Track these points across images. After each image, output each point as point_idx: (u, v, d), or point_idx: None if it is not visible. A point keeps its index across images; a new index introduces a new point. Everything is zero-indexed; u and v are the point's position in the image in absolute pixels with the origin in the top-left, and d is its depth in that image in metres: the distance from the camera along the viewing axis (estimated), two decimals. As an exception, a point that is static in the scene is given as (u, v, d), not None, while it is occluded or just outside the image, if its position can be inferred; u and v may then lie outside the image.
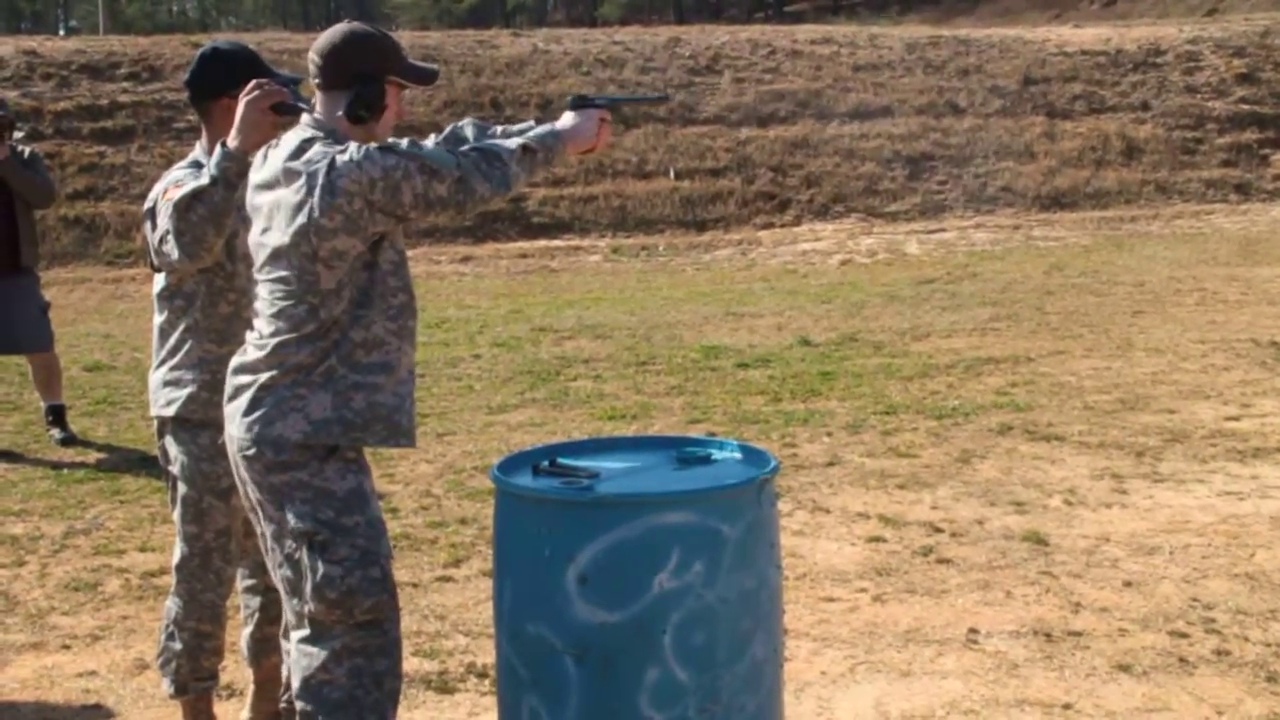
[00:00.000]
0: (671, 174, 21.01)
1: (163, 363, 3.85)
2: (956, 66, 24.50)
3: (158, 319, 3.85)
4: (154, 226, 3.63)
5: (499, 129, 3.48)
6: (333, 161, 3.04)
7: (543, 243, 19.27)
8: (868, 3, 61.53)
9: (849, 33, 26.50)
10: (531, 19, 70.85)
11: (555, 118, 3.45)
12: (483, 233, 19.48)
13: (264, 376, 3.17)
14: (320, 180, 3.04)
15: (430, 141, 3.32)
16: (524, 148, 3.20)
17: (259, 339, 3.20)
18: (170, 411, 3.80)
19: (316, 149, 3.09)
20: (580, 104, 3.45)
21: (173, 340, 3.82)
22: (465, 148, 3.18)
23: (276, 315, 3.15)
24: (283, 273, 3.13)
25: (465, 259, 18.33)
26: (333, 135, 3.15)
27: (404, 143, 3.11)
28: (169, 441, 3.86)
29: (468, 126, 3.49)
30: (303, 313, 3.12)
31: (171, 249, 3.50)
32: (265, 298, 3.18)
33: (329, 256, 3.07)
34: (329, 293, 3.10)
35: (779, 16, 58.77)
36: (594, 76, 22.87)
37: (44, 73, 21.04)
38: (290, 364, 3.14)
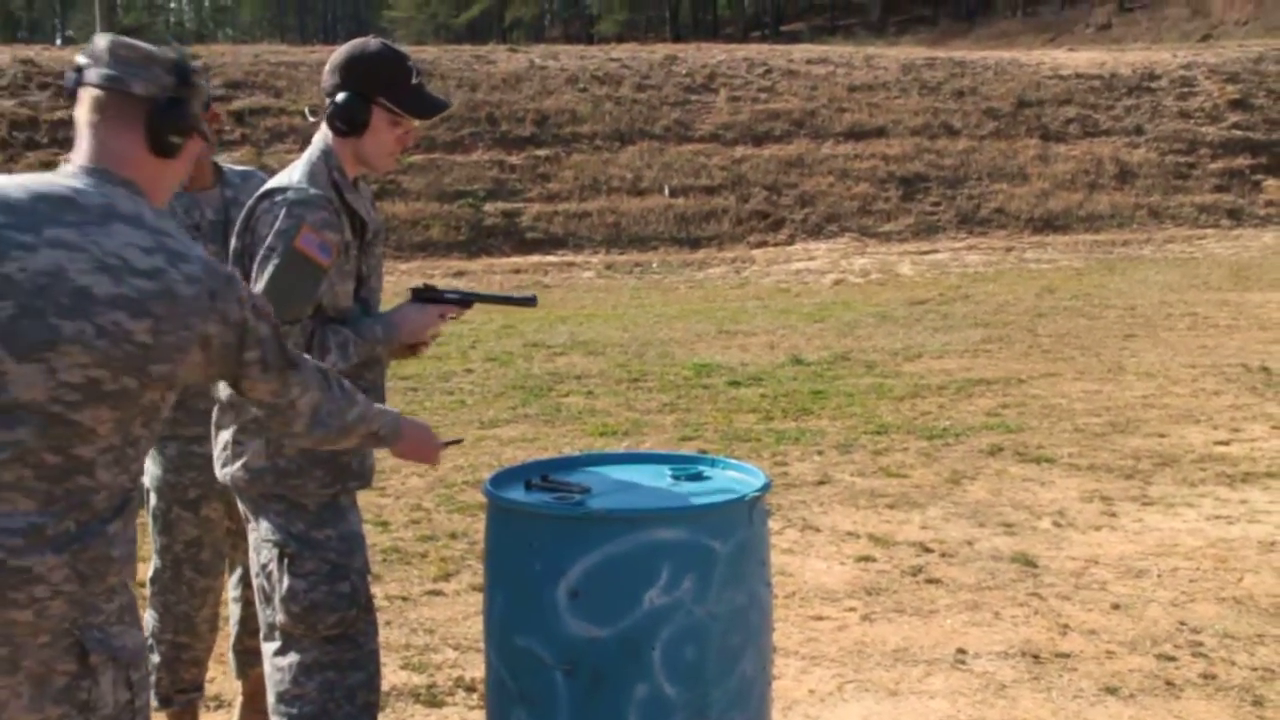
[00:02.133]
0: (666, 191, 21.06)
1: None
2: (951, 88, 24.59)
3: None
4: None
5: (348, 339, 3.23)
6: (268, 190, 3.10)
7: (536, 258, 19.30)
8: (864, 23, 61.75)
9: (845, 53, 26.62)
10: (528, 35, 71.00)
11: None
12: (476, 247, 19.52)
13: (214, 410, 3.24)
14: (250, 202, 3.13)
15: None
16: (348, 344, 3.14)
17: None
18: None
19: (282, 174, 3.16)
20: (425, 296, 3.28)
21: None
22: (312, 338, 3.10)
23: None
24: None
25: (459, 273, 18.34)
26: (328, 156, 3.16)
27: (299, 275, 3.03)
28: None
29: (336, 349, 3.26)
30: None
31: None
32: None
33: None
34: None
35: (775, 36, 58.94)
36: (590, 93, 22.93)
37: (40, 82, 21.06)
38: (225, 397, 3.18)
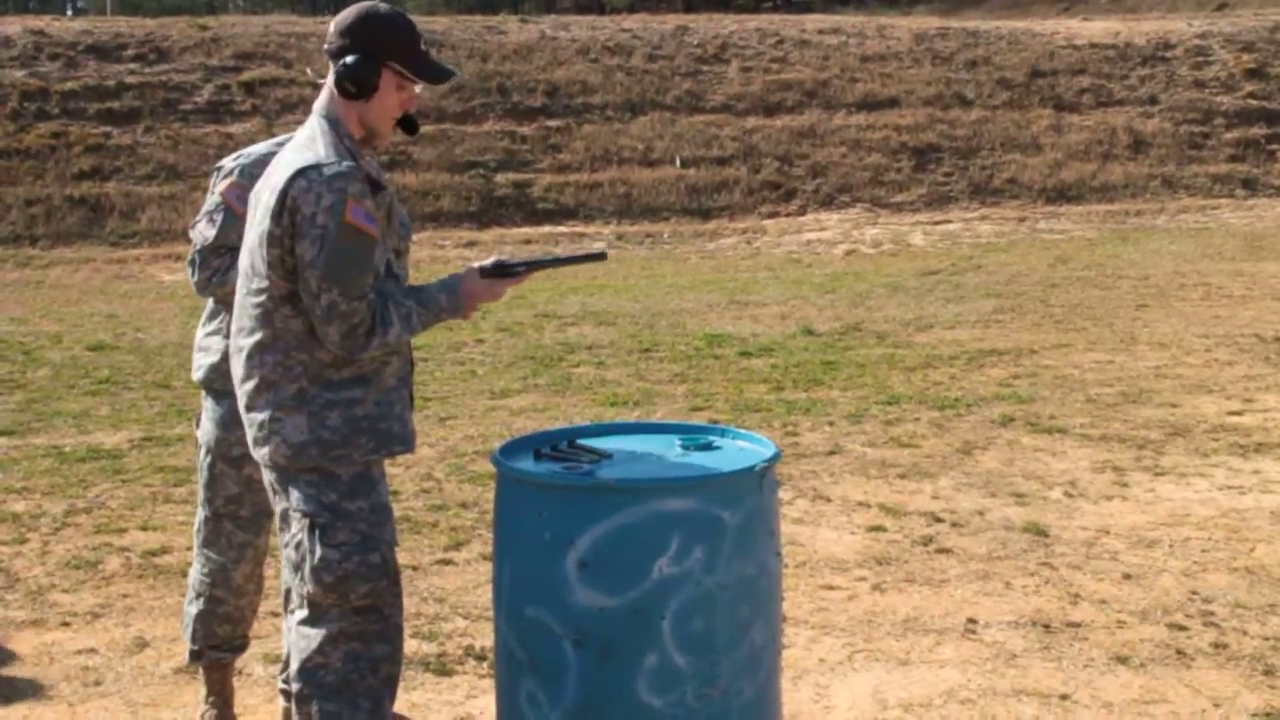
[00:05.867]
0: (678, 162, 21.00)
1: (202, 325, 3.96)
2: (964, 58, 24.46)
3: (200, 274, 3.88)
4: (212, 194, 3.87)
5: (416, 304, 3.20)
6: (301, 170, 3.04)
7: (547, 228, 19.26)
8: (876, -7, 61.34)
9: (857, 23, 26.47)
10: (539, 5, 70.67)
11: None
12: (487, 218, 19.49)
13: (244, 390, 3.18)
14: (281, 183, 3.05)
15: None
16: (411, 316, 3.13)
17: (233, 336, 3.21)
18: (197, 376, 3.91)
19: (301, 151, 3.10)
20: (497, 272, 3.21)
21: (210, 305, 3.93)
22: (377, 313, 3.06)
23: (243, 313, 3.18)
24: (247, 267, 3.14)
25: (470, 244, 18.32)
26: (335, 125, 3.12)
27: (353, 243, 3.01)
28: (203, 403, 3.95)
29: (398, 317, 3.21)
30: (258, 315, 3.12)
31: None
32: (240, 296, 3.18)
33: (275, 262, 3.07)
34: (282, 299, 3.08)
35: (787, 6, 58.64)
36: (601, 64, 22.84)
37: (51, 53, 21.03)
38: (258, 377, 3.13)
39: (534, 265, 3.31)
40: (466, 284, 3.21)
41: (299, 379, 3.10)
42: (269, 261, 3.07)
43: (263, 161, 3.73)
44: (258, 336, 3.13)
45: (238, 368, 3.20)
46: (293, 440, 3.10)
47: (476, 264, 3.26)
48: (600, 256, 3.44)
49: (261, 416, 3.13)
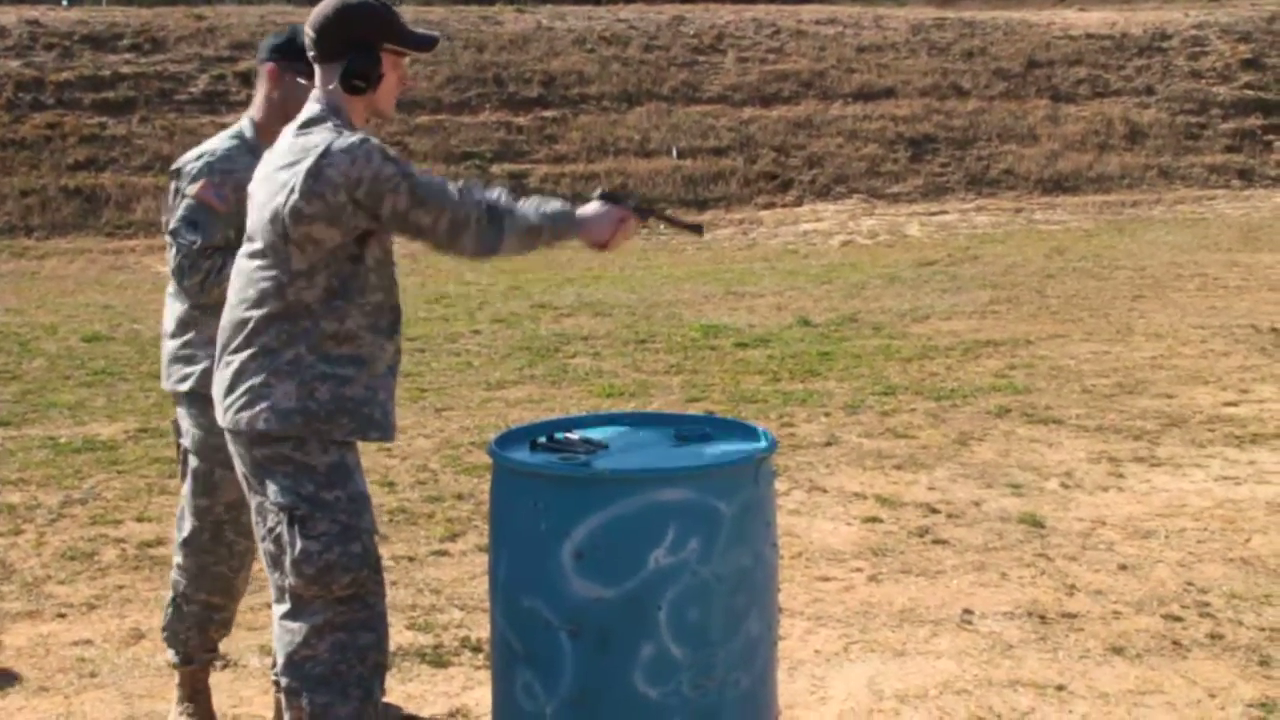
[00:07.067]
0: (674, 153, 20.97)
1: (174, 336, 3.85)
2: (961, 48, 24.44)
3: (171, 288, 3.84)
4: (181, 198, 3.74)
5: (531, 201, 3.28)
6: (327, 149, 3.04)
7: (544, 219, 19.21)
8: (873, -17, 61.26)
9: (854, 13, 26.42)
10: (535, -5, 70.45)
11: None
12: (484, 209, 19.44)
13: (238, 359, 3.16)
14: (309, 164, 3.04)
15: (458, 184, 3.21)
16: (532, 226, 3.19)
17: (231, 309, 3.20)
18: (184, 387, 3.79)
19: (319, 133, 3.09)
20: (610, 198, 3.33)
21: (182, 314, 3.82)
22: (481, 199, 3.15)
23: (248, 286, 3.16)
24: (259, 246, 3.13)
25: (466, 235, 18.29)
26: (337, 114, 3.13)
27: (415, 169, 3.11)
28: (181, 414, 3.85)
29: (501, 194, 3.27)
30: (270, 289, 3.11)
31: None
32: (245, 271, 3.17)
33: (301, 240, 3.06)
34: (299, 273, 3.08)
35: (784, -4, 58.50)
36: (597, 54, 22.81)
37: (46, 43, 20.98)
38: (258, 345, 3.12)
39: (644, 206, 3.41)
40: (586, 208, 3.30)
41: (297, 344, 3.10)
42: (294, 240, 3.06)
43: (229, 157, 3.70)
44: (267, 308, 3.12)
45: (235, 337, 3.17)
46: (280, 406, 3.09)
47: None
48: (698, 230, 3.71)
49: (253, 381, 3.12)
